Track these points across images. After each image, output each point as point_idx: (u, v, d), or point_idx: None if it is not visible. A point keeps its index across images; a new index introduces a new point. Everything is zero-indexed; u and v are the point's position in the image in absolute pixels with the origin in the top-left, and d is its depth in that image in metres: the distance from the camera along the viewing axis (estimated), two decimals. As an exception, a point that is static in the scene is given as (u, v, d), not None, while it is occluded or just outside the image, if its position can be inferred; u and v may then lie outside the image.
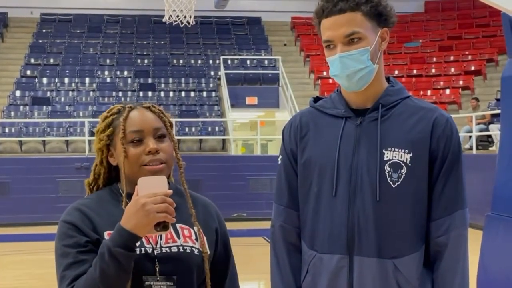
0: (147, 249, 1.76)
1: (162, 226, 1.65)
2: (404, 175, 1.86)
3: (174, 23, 12.98)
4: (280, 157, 2.04)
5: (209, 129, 16.88)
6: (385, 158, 1.87)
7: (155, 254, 1.77)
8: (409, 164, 1.86)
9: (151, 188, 1.66)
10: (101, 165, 1.87)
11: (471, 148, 13.93)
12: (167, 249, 1.79)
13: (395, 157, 1.86)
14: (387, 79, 2.00)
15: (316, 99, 2.06)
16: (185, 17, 12.85)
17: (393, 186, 1.85)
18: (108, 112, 1.87)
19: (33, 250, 10.28)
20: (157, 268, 1.75)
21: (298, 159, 1.98)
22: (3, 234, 12.02)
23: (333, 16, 1.87)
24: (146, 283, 1.73)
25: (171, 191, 1.67)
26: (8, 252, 10.23)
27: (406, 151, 1.86)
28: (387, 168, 1.86)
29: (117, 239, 1.62)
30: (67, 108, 17.36)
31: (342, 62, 1.87)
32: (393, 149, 1.87)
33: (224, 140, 16.42)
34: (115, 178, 1.90)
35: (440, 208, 1.88)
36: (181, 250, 1.80)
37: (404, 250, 1.86)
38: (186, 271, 1.78)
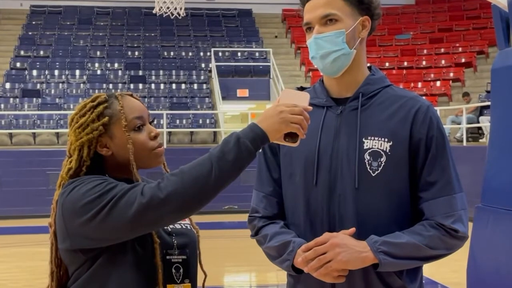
0: None
1: (291, 137, 1.70)
2: (383, 163, 1.86)
3: (164, 15, 12.95)
4: None
5: (200, 122, 16.86)
6: (365, 147, 1.87)
7: (170, 229, 1.84)
8: (389, 153, 1.86)
9: (293, 100, 1.71)
10: (87, 158, 1.79)
11: (461, 140, 13.97)
12: (177, 225, 1.86)
13: (375, 145, 1.87)
14: (369, 68, 2.01)
15: (300, 90, 2.07)
16: (175, 9, 12.82)
17: (373, 175, 1.86)
18: (93, 102, 1.81)
19: (23, 242, 10.25)
20: (174, 242, 1.82)
21: (280, 148, 2.00)
22: (-6, 227, 11.97)
23: None
24: (167, 257, 1.79)
25: (311, 108, 1.73)
26: (-1, 245, 10.20)
27: (386, 139, 1.87)
28: (366, 156, 1.87)
29: (248, 133, 1.67)
30: (57, 100, 17.28)
31: (317, 43, 1.90)
32: (373, 137, 1.88)
33: (215, 133, 16.39)
34: (95, 170, 1.82)
35: (430, 193, 1.87)
36: (183, 227, 1.89)
37: (384, 235, 1.85)
38: (192, 245, 1.87)
